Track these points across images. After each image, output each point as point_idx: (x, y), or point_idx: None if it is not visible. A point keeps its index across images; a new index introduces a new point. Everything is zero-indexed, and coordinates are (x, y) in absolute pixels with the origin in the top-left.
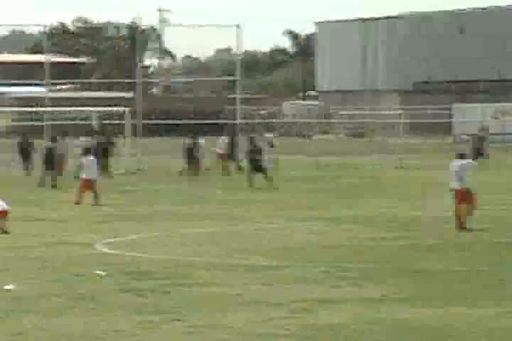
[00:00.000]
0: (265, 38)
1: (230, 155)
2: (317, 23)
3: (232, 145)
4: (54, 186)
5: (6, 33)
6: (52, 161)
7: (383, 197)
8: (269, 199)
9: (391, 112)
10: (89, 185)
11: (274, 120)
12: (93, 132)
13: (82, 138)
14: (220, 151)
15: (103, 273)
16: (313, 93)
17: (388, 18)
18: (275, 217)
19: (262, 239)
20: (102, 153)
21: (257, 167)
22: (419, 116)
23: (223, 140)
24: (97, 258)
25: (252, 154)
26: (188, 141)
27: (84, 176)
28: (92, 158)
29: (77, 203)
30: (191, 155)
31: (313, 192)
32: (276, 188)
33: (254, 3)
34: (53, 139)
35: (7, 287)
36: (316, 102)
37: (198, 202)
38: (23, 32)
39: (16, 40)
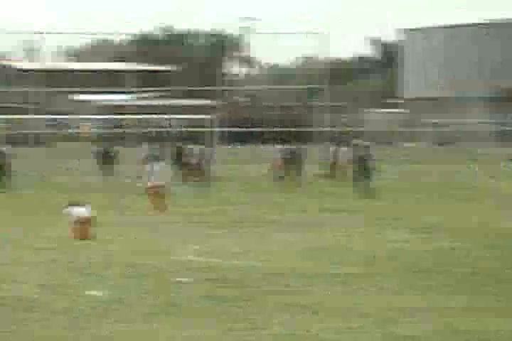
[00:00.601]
0: (349, 45)
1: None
2: (402, 31)
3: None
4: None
5: (91, 42)
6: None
7: (477, 206)
8: (362, 208)
9: (479, 120)
10: (157, 191)
11: (359, 128)
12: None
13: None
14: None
15: (188, 281)
16: (396, 101)
17: (475, 24)
18: (366, 225)
19: (351, 247)
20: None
21: (365, 174)
22: (509, 124)
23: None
24: (183, 264)
25: (360, 161)
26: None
27: (153, 182)
28: (161, 164)
29: (161, 210)
30: (291, 163)
31: (404, 200)
32: (375, 198)
33: (339, 10)
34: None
35: (92, 292)
36: (400, 110)
37: (287, 210)
38: (107, 40)
39: (101, 49)
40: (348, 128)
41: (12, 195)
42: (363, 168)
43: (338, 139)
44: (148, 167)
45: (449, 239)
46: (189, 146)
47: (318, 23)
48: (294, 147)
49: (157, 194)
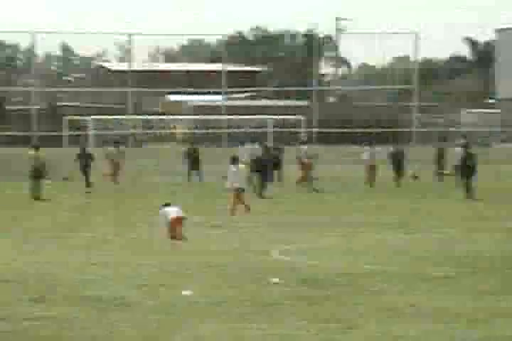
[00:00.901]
0: (444, 45)
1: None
2: (497, 30)
3: (439, 155)
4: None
5: (185, 43)
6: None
7: None
8: (452, 209)
9: None
10: (238, 194)
11: (453, 129)
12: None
13: (248, 145)
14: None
15: (279, 281)
16: (492, 101)
17: None
18: (455, 226)
19: (439, 248)
20: (273, 162)
21: (468, 174)
22: None
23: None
24: (273, 265)
25: (465, 161)
26: (392, 149)
27: (233, 185)
28: (239, 165)
29: (232, 214)
30: (398, 164)
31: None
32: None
33: (432, 10)
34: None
35: (185, 292)
36: (497, 110)
37: (375, 211)
38: (201, 41)
39: (195, 50)
40: (450, 129)
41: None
42: (470, 168)
43: (443, 140)
44: (229, 168)
45: None
46: (301, 146)
47: (415, 23)
48: (399, 147)
49: (237, 195)
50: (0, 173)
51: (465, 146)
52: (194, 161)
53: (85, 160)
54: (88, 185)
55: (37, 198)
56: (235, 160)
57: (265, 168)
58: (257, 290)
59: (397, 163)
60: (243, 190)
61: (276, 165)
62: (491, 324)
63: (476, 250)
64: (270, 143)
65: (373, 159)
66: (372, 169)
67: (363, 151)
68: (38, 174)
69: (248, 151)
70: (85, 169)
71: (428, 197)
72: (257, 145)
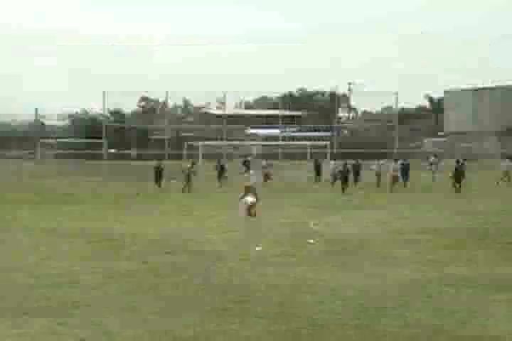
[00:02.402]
0: (413, 99)
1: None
2: (445, 91)
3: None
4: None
5: (257, 97)
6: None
7: None
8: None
9: (491, 145)
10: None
11: (419, 150)
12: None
13: (332, 162)
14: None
15: (313, 241)
16: (441, 134)
17: (492, 88)
18: (419, 208)
19: (409, 222)
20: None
21: (459, 179)
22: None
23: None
24: (310, 232)
25: (457, 170)
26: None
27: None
28: (256, 170)
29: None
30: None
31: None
32: None
33: (408, 77)
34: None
35: (257, 248)
36: (445, 139)
37: (376, 201)
38: (267, 97)
39: (263, 101)
40: (417, 150)
41: (201, 195)
42: (461, 175)
43: (413, 157)
44: (248, 173)
45: None
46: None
47: (394, 85)
48: (406, 161)
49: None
50: (144, 177)
51: (458, 161)
52: (221, 171)
53: (221, 168)
54: (220, 185)
55: (187, 192)
56: (248, 167)
57: (346, 176)
58: (301, 247)
59: (405, 171)
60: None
61: (356, 174)
62: (442, 268)
63: (435, 225)
64: (350, 161)
65: (396, 170)
66: (395, 179)
67: (371, 164)
68: (189, 179)
69: (334, 166)
70: (219, 175)
71: (428, 192)
72: (339, 162)
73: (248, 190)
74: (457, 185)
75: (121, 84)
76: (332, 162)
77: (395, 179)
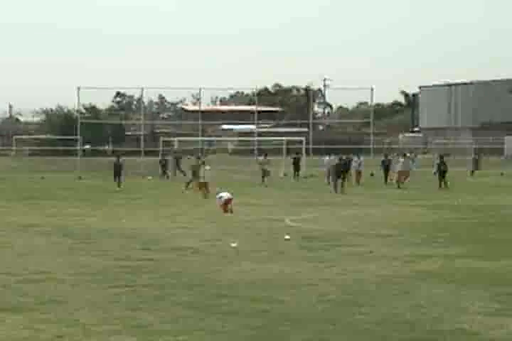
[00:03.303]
0: (388, 95)
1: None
2: (420, 86)
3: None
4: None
5: (233, 93)
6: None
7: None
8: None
9: (466, 141)
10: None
11: (395, 145)
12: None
13: (327, 157)
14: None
15: (289, 237)
16: (416, 129)
17: (465, 84)
18: (397, 204)
19: (386, 218)
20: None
21: (443, 174)
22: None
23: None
24: (286, 228)
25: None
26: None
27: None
28: (206, 167)
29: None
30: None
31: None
32: None
33: (383, 74)
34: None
35: (233, 245)
36: (420, 134)
37: (348, 195)
38: (242, 93)
39: (238, 97)
40: (393, 146)
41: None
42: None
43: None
44: (201, 168)
45: (449, 213)
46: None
47: (371, 81)
48: (387, 157)
49: (202, 186)
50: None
51: (441, 157)
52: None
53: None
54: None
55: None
56: (203, 163)
57: (339, 171)
58: (276, 243)
59: (386, 166)
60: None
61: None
62: (417, 263)
63: (410, 218)
64: (343, 156)
65: (407, 166)
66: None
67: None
68: (196, 173)
69: (328, 161)
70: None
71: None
72: (333, 157)
73: (203, 185)
74: (441, 181)
75: (96, 80)
76: (327, 157)
77: (402, 174)
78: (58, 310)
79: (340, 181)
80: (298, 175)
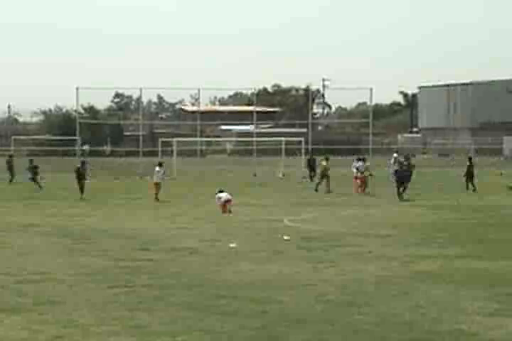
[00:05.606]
0: (387, 95)
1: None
2: (419, 87)
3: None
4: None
5: (232, 93)
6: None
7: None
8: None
9: (465, 141)
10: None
11: (394, 146)
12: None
13: (355, 163)
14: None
15: (288, 238)
16: (415, 129)
17: (464, 84)
18: (397, 204)
19: (386, 218)
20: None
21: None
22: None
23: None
24: (285, 228)
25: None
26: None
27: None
28: (160, 168)
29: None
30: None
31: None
32: None
33: (383, 75)
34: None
35: (232, 245)
36: (419, 135)
37: (344, 196)
38: (242, 93)
39: (237, 98)
40: (392, 146)
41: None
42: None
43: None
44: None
45: (447, 213)
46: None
47: (370, 81)
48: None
49: (157, 186)
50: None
51: (408, 158)
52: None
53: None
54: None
55: None
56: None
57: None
58: (275, 243)
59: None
60: (159, 183)
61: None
62: (416, 264)
63: (409, 219)
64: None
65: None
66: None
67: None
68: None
69: (357, 166)
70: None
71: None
72: (361, 163)
73: (158, 185)
74: (468, 183)
75: (95, 80)
76: (395, 155)
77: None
78: (57, 310)
79: (401, 189)
80: (314, 175)
